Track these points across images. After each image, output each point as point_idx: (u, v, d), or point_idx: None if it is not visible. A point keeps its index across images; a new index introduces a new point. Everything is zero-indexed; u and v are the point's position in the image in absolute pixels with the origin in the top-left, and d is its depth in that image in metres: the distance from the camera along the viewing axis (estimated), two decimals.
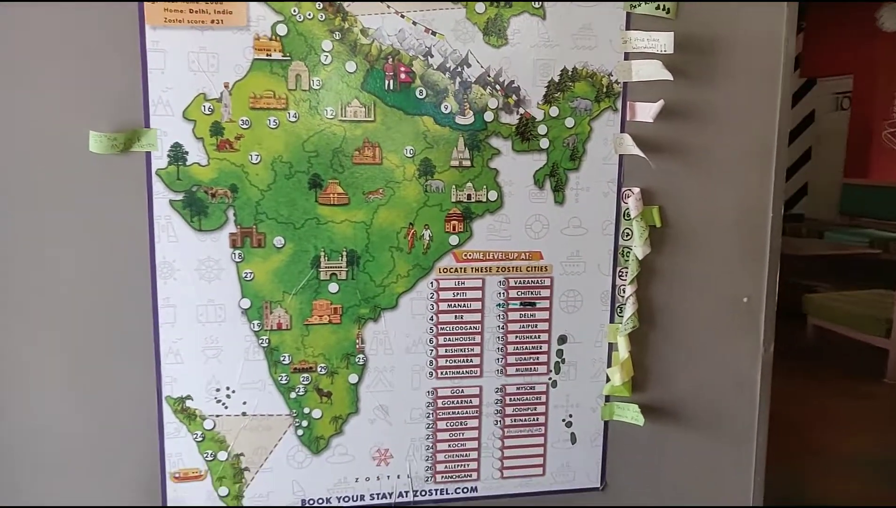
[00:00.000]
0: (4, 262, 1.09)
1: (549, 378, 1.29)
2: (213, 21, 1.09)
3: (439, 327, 1.24)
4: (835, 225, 5.96)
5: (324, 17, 1.11)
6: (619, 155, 1.24)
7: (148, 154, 1.10)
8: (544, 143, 1.21)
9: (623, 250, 1.27)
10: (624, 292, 1.27)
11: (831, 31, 6.06)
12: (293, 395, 1.21)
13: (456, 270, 1.23)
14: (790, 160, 6.54)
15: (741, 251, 1.30)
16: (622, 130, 1.23)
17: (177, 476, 1.18)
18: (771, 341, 1.34)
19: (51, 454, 1.15)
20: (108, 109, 1.08)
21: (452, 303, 1.24)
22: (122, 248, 1.12)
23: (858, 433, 3.06)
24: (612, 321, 1.29)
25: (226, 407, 1.19)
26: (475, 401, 1.27)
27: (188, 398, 1.17)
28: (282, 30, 1.11)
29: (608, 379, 1.29)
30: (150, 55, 1.08)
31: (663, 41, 1.18)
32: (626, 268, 1.27)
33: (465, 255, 1.22)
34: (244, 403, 1.19)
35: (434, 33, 1.15)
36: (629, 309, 1.26)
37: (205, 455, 1.19)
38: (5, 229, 1.08)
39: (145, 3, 1.06)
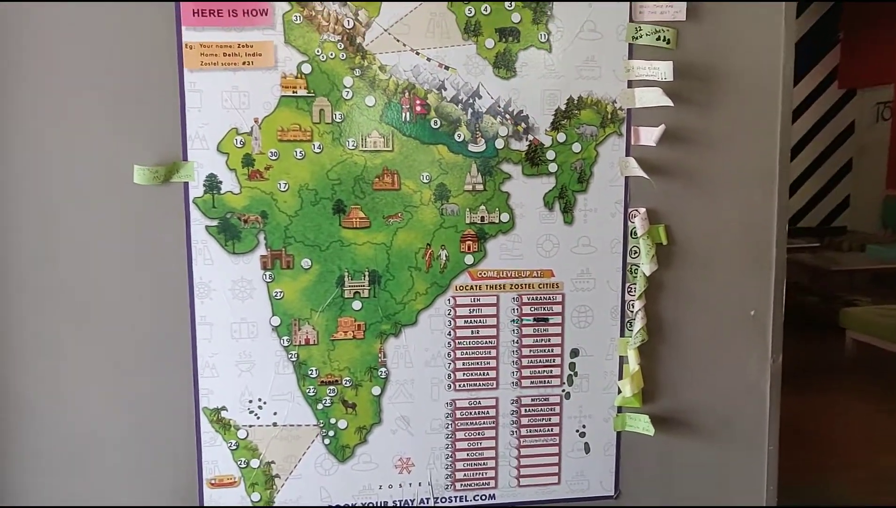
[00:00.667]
0: (58, 282, 1.21)
1: (563, 390, 1.35)
2: (244, 63, 1.19)
3: (457, 341, 1.31)
4: (877, 238, 5.87)
5: (345, 56, 1.21)
6: (625, 177, 1.31)
7: (186, 184, 1.21)
8: (553, 167, 1.29)
9: (631, 268, 1.33)
10: (633, 307, 1.33)
11: (869, 40, 6.00)
12: (320, 406, 1.29)
13: (471, 287, 1.30)
14: (830, 172, 6.48)
15: (746, 266, 1.35)
16: (627, 154, 1.30)
17: (212, 482, 1.28)
18: (779, 352, 1.38)
19: (96, 459, 1.25)
20: (151, 145, 1.19)
21: (469, 319, 1.31)
22: (162, 270, 1.22)
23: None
24: (622, 334, 1.35)
25: (258, 418, 1.28)
26: (492, 412, 1.34)
27: (223, 408, 1.27)
28: (306, 69, 1.21)
29: (619, 391, 1.35)
30: (188, 95, 1.19)
31: (663, 70, 1.25)
32: (635, 284, 1.33)
33: (480, 273, 1.30)
34: (275, 414, 1.28)
35: (447, 68, 1.24)
36: (638, 323, 1.32)
37: (238, 463, 1.28)
38: (59, 253, 1.20)
39: (184, 49, 1.18)
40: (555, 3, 1.24)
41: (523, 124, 1.27)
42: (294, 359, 1.28)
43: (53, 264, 1.20)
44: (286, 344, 1.27)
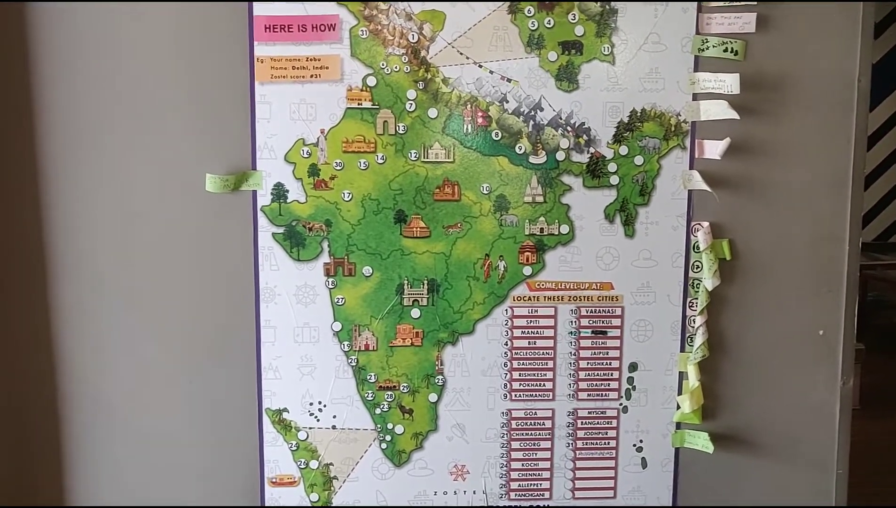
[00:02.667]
0: (134, 285, 1.25)
1: (620, 404, 1.32)
2: (311, 76, 1.21)
3: (514, 351, 1.30)
4: None
5: (409, 69, 1.22)
6: (688, 190, 1.27)
7: (254, 193, 1.24)
8: (614, 179, 1.26)
9: (693, 282, 1.29)
10: (694, 322, 1.29)
11: None
12: (378, 411, 1.30)
13: (529, 298, 1.29)
14: None
15: (815, 283, 1.29)
16: (691, 167, 1.26)
17: (274, 480, 1.30)
18: (850, 374, 1.32)
19: (162, 456, 1.29)
20: (222, 154, 1.22)
21: (526, 329, 1.30)
22: (231, 274, 1.25)
23: None
24: (682, 350, 1.31)
25: (318, 420, 1.29)
26: (548, 423, 1.32)
27: (285, 410, 1.29)
28: (371, 82, 1.22)
29: (678, 407, 1.31)
30: (258, 107, 1.21)
31: (730, 82, 1.21)
32: (696, 299, 1.29)
33: (538, 284, 1.29)
34: (334, 417, 1.30)
35: (509, 81, 1.23)
36: (699, 339, 1.28)
37: (298, 463, 1.30)
38: (135, 257, 1.24)
39: (256, 62, 1.20)
40: (619, 16, 1.22)
41: (585, 137, 1.25)
42: (354, 364, 1.29)
43: (130, 268, 1.24)
44: (346, 349, 1.28)
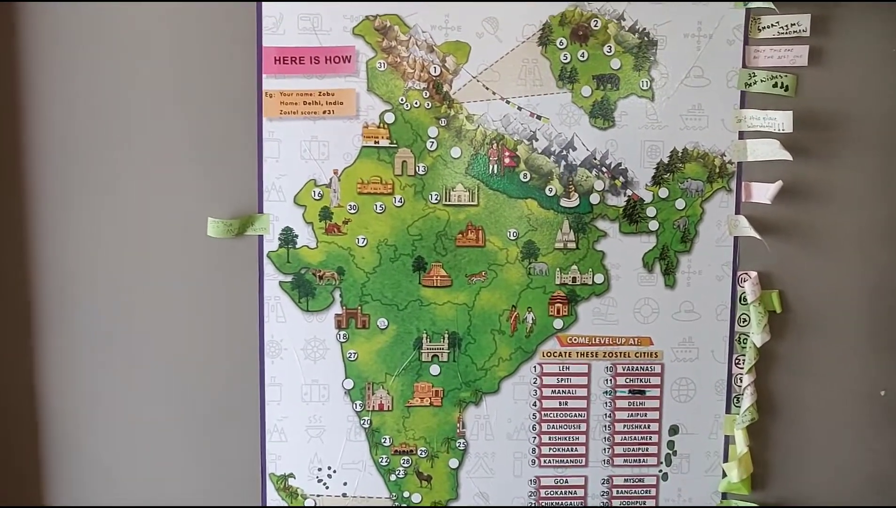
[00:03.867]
0: (125, 337, 1.12)
1: (660, 471, 1.18)
2: (324, 112, 1.10)
3: (543, 413, 1.17)
4: None
5: (430, 105, 1.11)
6: (734, 237, 1.15)
7: (260, 237, 1.12)
8: (653, 225, 1.14)
9: (739, 337, 1.16)
10: (741, 381, 1.16)
11: None
12: (393, 477, 1.16)
13: (560, 354, 1.16)
14: None
15: (874, 339, 1.15)
16: (737, 212, 1.14)
17: None
18: None
19: None
20: (226, 196, 1.10)
21: (557, 389, 1.17)
22: (233, 327, 1.13)
23: None
24: (727, 411, 1.17)
25: (326, 487, 1.16)
26: (580, 492, 1.18)
27: (291, 475, 1.15)
28: (389, 118, 1.11)
29: (725, 475, 1.17)
30: (266, 144, 1.10)
31: (781, 120, 1.09)
32: (743, 356, 1.16)
33: (570, 339, 1.16)
34: (345, 484, 1.16)
35: (539, 117, 1.12)
36: (747, 400, 1.14)
37: None
38: (128, 308, 1.12)
39: (264, 97, 1.10)
40: (658, 49, 1.11)
41: (621, 178, 1.13)
42: (367, 426, 1.16)
43: (123, 320, 1.12)
44: (359, 409, 1.15)
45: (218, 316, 1.13)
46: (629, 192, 1.13)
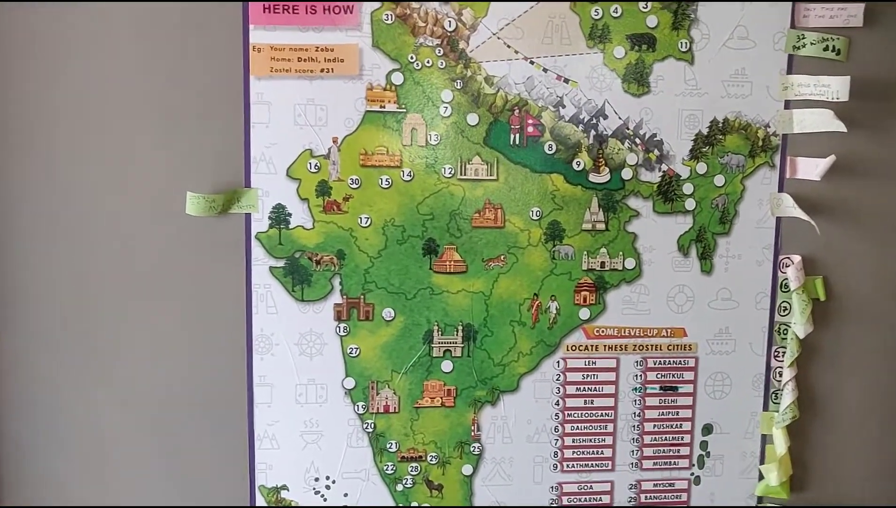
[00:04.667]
0: (91, 332, 0.96)
1: (692, 474, 1.07)
2: (322, 70, 0.94)
3: (566, 413, 1.04)
4: None
5: (444, 64, 0.96)
6: (777, 218, 1.03)
7: (247, 216, 0.96)
8: (690, 203, 1.02)
9: (780, 328, 1.05)
10: (781, 375, 1.05)
11: None
12: (400, 487, 1.02)
13: (586, 347, 1.03)
14: None
15: None
16: (780, 190, 1.02)
17: None
18: None
19: None
20: (207, 168, 0.94)
21: (581, 386, 1.04)
22: (216, 319, 0.96)
23: None
24: (765, 408, 1.06)
25: (325, 499, 1.01)
26: (606, 498, 1.06)
27: (283, 487, 1.00)
28: (397, 78, 0.96)
29: (762, 477, 1.07)
30: (254, 108, 0.94)
31: (836, 87, 0.97)
32: (784, 348, 1.05)
33: (598, 331, 1.03)
34: (345, 495, 1.01)
35: (567, 81, 0.98)
36: (787, 396, 1.04)
37: None
38: (94, 298, 0.95)
39: (251, 52, 0.93)
40: (699, 5, 0.98)
41: (656, 151, 1.00)
42: (370, 430, 1.01)
43: (88, 312, 0.95)
44: (361, 411, 1.01)
45: (198, 307, 0.96)
46: (664, 166, 1.01)
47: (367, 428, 1.01)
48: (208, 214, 0.93)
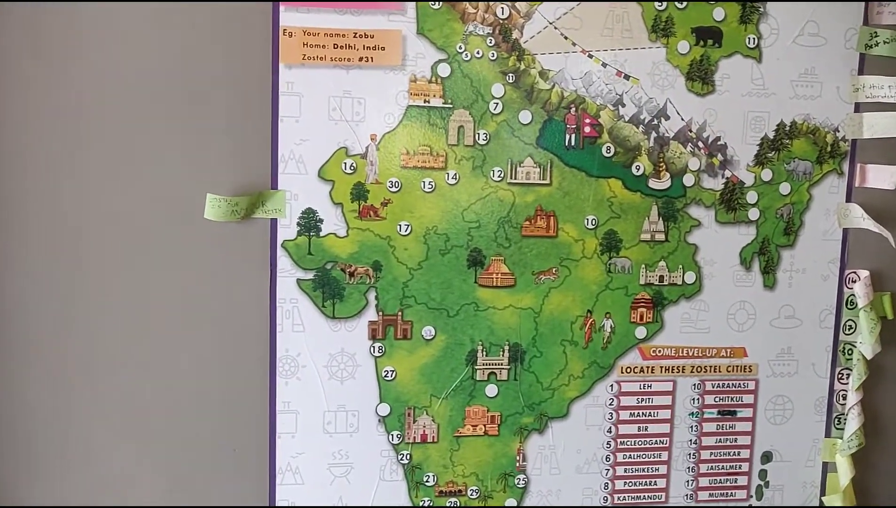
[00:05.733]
0: (98, 350, 0.82)
1: (750, 505, 0.98)
2: (361, 59, 0.83)
3: (619, 440, 0.94)
4: None
5: (495, 55, 0.85)
6: (844, 229, 0.95)
7: (273, 222, 0.84)
8: (753, 213, 0.93)
9: (845, 347, 0.97)
10: (845, 399, 0.97)
11: None
12: None
13: (642, 369, 0.93)
14: None
15: None
16: (848, 199, 0.95)
17: None
18: None
19: None
20: (229, 167, 0.82)
21: (636, 411, 0.94)
22: (236, 337, 0.84)
23: None
24: (827, 435, 0.98)
25: None
26: None
27: None
28: (444, 70, 0.85)
29: None
30: (283, 99, 0.82)
31: None
32: (849, 370, 0.96)
33: (654, 351, 0.93)
34: None
35: (627, 77, 0.89)
36: (853, 422, 0.95)
37: None
38: (102, 310, 0.82)
39: (281, 36, 0.82)
40: None
41: (719, 156, 0.91)
42: (406, 461, 0.90)
43: (94, 328, 0.82)
44: (396, 441, 0.89)
45: (216, 324, 0.84)
46: (728, 173, 0.92)
47: (402, 460, 0.89)
48: (229, 219, 0.81)
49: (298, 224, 0.84)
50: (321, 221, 0.84)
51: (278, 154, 0.83)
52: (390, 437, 0.89)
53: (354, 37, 0.82)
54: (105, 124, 0.79)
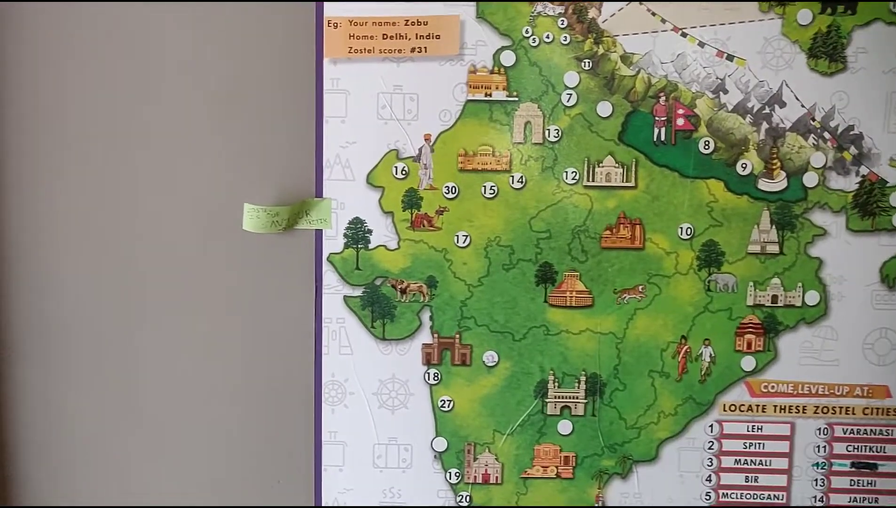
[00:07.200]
0: (129, 373, 0.78)
1: None
2: (413, 50, 0.73)
3: (720, 492, 0.78)
4: None
5: (568, 39, 0.73)
6: None
7: (318, 233, 0.75)
8: None
9: None
10: None
11: None
12: None
13: (750, 408, 0.77)
14: None
15: None
16: None
17: None
18: None
19: None
20: (269, 173, 0.74)
21: (742, 458, 0.77)
22: (278, 360, 0.76)
23: None
24: None
25: None
26: None
27: None
28: (508, 59, 0.73)
29: None
30: (328, 98, 0.73)
31: None
32: None
33: (766, 386, 0.76)
34: None
35: (731, 58, 0.73)
36: None
37: None
38: (131, 330, 0.77)
39: (325, 28, 0.73)
40: None
41: (853, 149, 0.73)
42: (466, 503, 0.78)
43: (123, 347, 0.77)
44: (455, 480, 0.78)
45: (256, 346, 0.77)
46: (864, 170, 0.73)
47: (461, 501, 0.78)
48: (270, 230, 0.73)
49: (345, 236, 0.75)
50: (370, 232, 0.75)
51: (323, 158, 0.74)
52: (448, 475, 0.78)
53: (406, 25, 0.72)
54: (132, 127, 0.74)
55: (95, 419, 0.78)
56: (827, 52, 0.72)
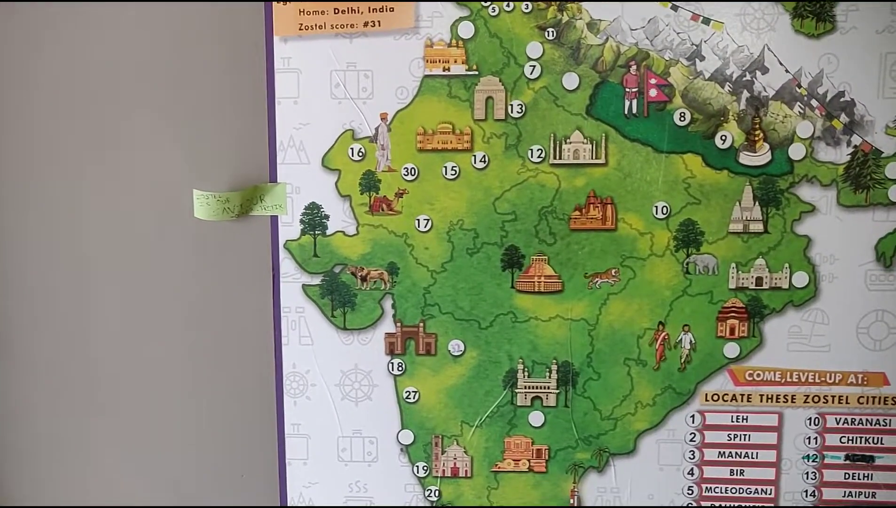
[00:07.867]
0: (83, 369, 0.76)
1: None
2: (366, 24, 0.69)
3: (703, 486, 0.73)
4: None
5: (530, 6, 0.67)
6: None
7: (273, 220, 0.72)
8: (894, 192, 0.68)
9: None
10: None
11: None
12: None
13: (734, 397, 0.72)
14: None
15: None
16: None
17: None
18: None
19: None
20: (220, 158, 0.72)
21: (726, 450, 0.73)
22: (236, 352, 0.74)
23: None
24: None
25: None
26: None
27: None
28: (467, 30, 0.68)
29: None
30: (279, 77, 0.70)
31: None
32: None
33: (751, 374, 0.71)
34: None
35: (707, 21, 0.67)
36: None
37: None
38: (86, 323, 0.75)
39: (274, 4, 0.69)
40: None
41: (844, 117, 0.67)
42: (434, 497, 0.75)
43: (79, 342, 0.76)
44: (422, 474, 0.75)
45: (214, 337, 0.74)
46: (857, 139, 0.67)
47: (429, 496, 0.75)
48: (222, 217, 0.70)
49: (302, 222, 0.72)
50: (327, 217, 0.71)
51: (276, 141, 0.71)
52: (415, 469, 0.74)
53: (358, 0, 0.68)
54: (77, 114, 0.71)
55: (52, 416, 0.77)
56: (813, 12, 0.66)
